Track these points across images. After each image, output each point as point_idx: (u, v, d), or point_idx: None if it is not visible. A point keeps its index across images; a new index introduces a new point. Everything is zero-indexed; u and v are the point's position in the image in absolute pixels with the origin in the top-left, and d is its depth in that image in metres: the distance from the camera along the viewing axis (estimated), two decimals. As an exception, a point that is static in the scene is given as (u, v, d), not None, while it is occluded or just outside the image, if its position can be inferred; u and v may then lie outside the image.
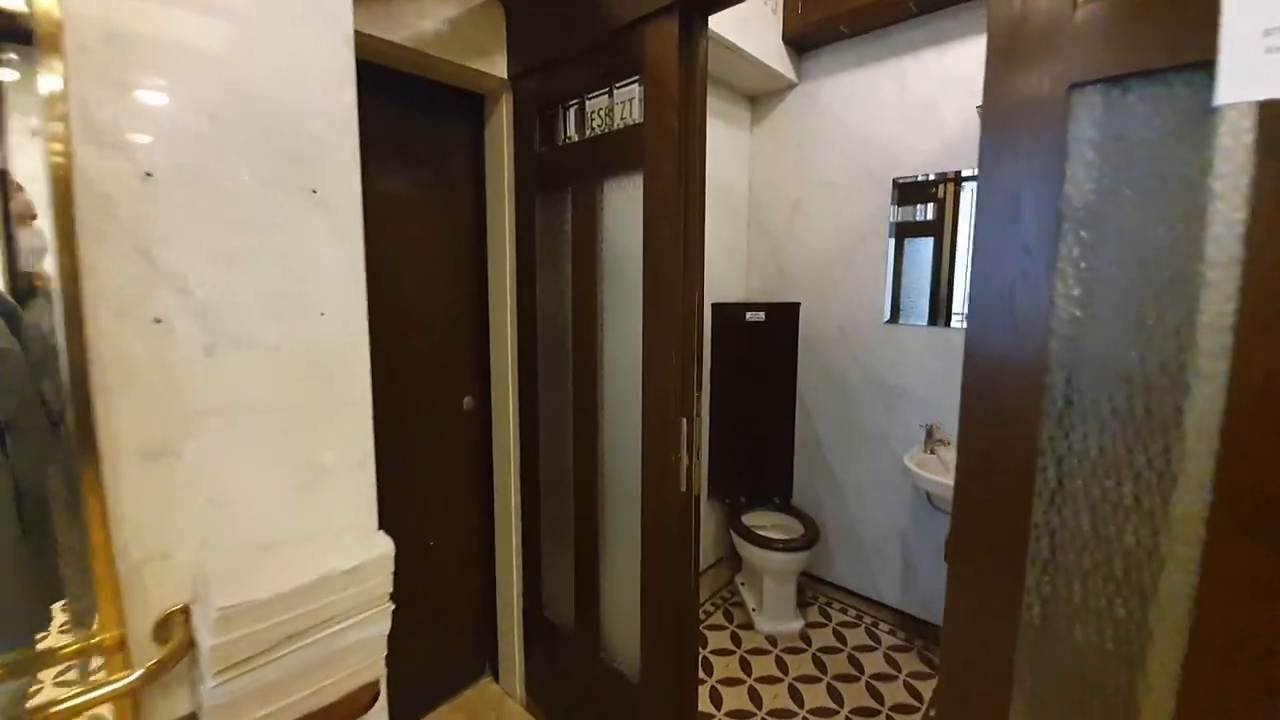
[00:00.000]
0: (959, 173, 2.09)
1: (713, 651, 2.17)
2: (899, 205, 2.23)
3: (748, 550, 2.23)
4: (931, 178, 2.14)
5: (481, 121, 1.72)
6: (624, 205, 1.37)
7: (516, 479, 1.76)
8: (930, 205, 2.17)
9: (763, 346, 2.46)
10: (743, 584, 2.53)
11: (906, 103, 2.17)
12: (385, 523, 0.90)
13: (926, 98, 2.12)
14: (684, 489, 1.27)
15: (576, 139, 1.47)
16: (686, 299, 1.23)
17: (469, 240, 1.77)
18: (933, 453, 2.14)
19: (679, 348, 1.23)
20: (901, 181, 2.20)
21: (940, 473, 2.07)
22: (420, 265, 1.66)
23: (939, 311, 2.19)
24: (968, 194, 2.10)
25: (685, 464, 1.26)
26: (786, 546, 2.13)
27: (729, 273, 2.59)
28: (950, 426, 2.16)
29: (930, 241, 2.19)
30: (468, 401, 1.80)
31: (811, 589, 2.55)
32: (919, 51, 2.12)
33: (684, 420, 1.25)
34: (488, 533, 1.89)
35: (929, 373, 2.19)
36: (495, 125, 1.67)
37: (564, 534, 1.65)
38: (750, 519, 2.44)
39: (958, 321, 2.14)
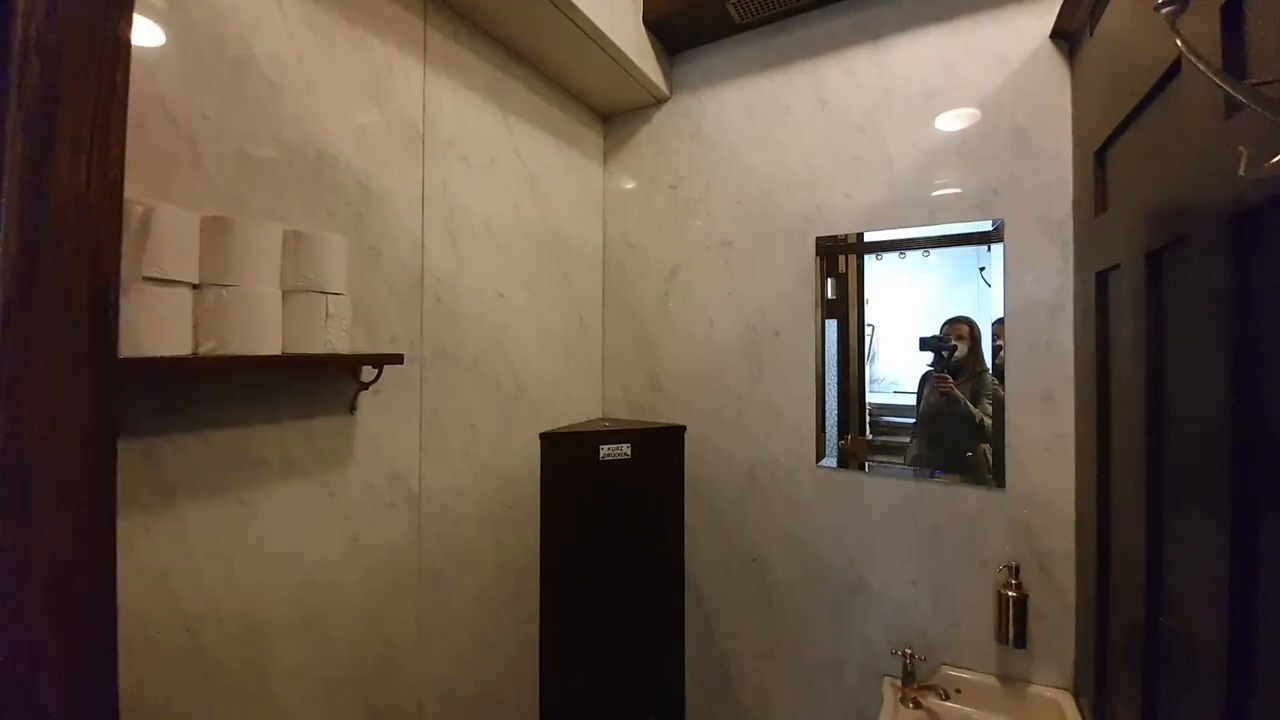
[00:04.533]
0: (860, 236, 1.34)
1: None
2: (830, 277, 1.40)
3: None
4: (849, 239, 1.35)
5: None
6: None
7: None
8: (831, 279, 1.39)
9: (627, 500, 1.46)
10: None
11: (831, 127, 1.40)
12: None
13: (860, 119, 1.37)
14: None
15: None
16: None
17: None
18: (918, 707, 1.20)
19: None
20: (829, 243, 1.39)
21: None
22: None
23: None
24: (875, 263, 1.34)
25: None
26: None
27: (572, 379, 1.60)
28: (941, 653, 1.24)
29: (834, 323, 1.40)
30: None
31: None
32: (843, 51, 1.39)
33: None
34: None
35: (890, 552, 1.29)
36: None
37: None
38: (610, 833, 1.32)
39: (875, 462, 1.33)
